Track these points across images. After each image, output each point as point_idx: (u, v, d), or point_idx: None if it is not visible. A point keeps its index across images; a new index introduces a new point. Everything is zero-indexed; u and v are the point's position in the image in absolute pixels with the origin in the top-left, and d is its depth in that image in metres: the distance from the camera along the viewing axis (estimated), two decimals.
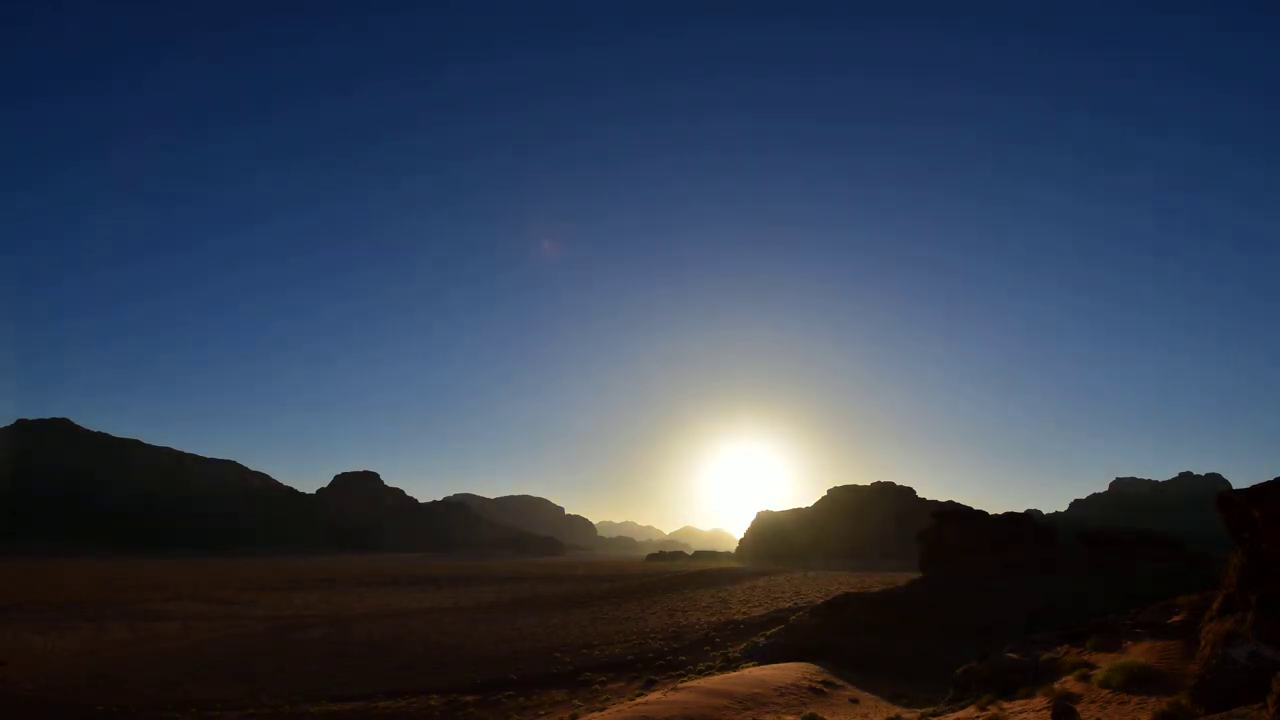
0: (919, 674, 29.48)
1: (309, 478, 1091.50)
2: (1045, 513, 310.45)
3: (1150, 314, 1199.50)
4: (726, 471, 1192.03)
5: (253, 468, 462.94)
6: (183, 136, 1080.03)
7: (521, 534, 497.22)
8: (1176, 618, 15.46)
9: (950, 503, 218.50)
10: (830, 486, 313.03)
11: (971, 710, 15.62)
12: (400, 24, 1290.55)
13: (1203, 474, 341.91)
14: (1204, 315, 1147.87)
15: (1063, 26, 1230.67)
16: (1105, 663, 14.57)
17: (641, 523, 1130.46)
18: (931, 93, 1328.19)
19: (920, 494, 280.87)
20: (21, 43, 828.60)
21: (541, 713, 28.94)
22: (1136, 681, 12.88)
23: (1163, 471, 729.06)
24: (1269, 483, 10.78)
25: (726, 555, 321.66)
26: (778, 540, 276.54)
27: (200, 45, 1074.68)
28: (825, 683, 25.47)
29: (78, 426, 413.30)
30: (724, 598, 78.70)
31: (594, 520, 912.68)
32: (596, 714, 22.44)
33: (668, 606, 72.37)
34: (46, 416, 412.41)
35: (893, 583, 67.65)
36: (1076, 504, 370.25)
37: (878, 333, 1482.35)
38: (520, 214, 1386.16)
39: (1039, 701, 14.03)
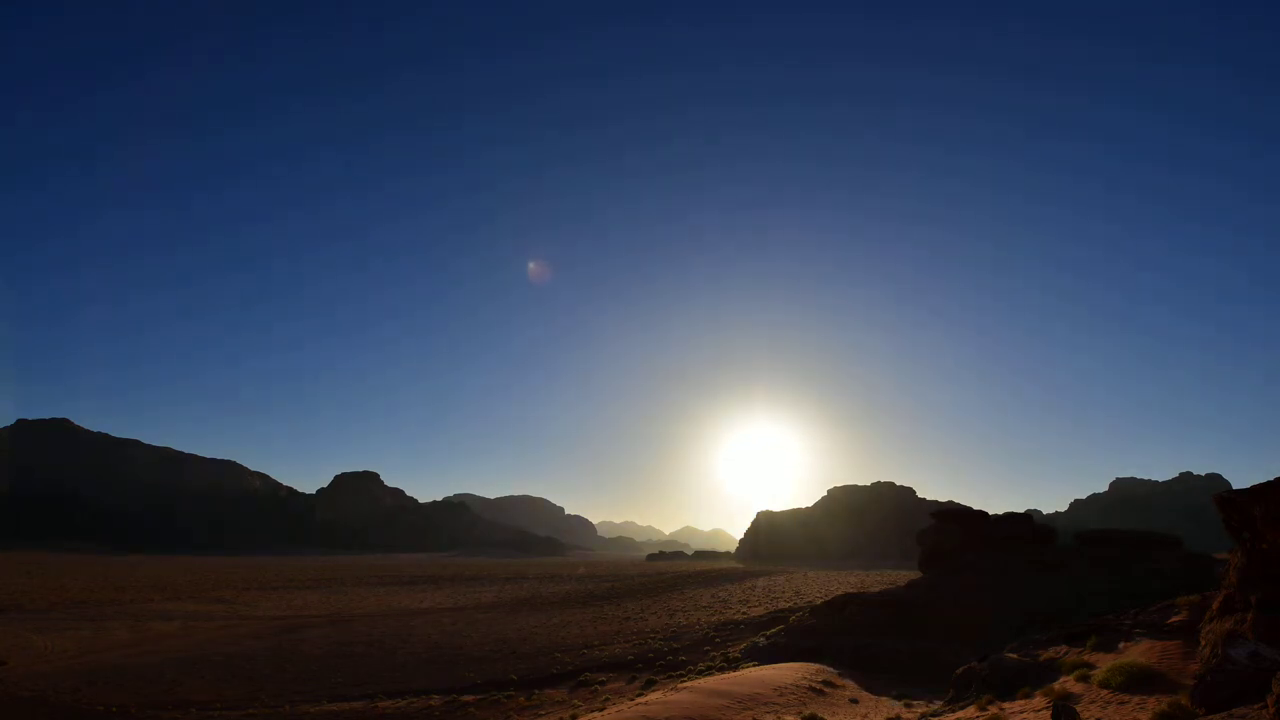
0: (919, 674, 29.48)
1: (309, 478, 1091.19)
2: (1045, 513, 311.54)
3: (1150, 313, 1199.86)
4: (726, 472, 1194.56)
5: (253, 468, 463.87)
6: (183, 136, 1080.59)
7: (521, 534, 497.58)
8: (1176, 618, 15.44)
9: (950, 503, 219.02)
10: (830, 486, 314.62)
11: (971, 710, 15.62)
12: (406, 24, 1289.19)
13: (1203, 474, 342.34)
14: (1204, 314, 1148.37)
15: (1065, 13, 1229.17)
16: (1105, 663, 14.56)
17: (641, 523, 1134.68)
18: (944, 83, 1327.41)
19: (920, 494, 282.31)
20: (22, 43, 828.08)
21: (541, 713, 28.91)
22: (1136, 681, 12.86)
23: (1163, 471, 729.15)
24: (1269, 483, 10.75)
25: (726, 555, 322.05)
26: (778, 540, 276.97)
27: (196, 46, 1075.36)
28: (825, 683, 25.46)
29: (78, 426, 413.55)
30: (724, 598, 78.67)
31: (594, 520, 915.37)
32: (596, 714, 22.43)
33: (668, 606, 72.34)
34: (46, 416, 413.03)
35: (893, 583, 67.77)
36: (1076, 504, 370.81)
37: (878, 333, 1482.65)
38: (519, 213, 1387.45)
39: (1039, 701, 14.02)
